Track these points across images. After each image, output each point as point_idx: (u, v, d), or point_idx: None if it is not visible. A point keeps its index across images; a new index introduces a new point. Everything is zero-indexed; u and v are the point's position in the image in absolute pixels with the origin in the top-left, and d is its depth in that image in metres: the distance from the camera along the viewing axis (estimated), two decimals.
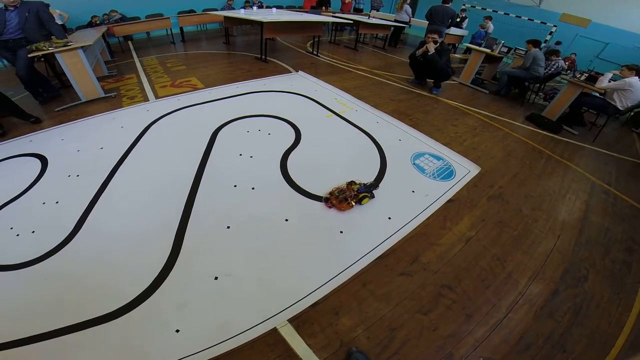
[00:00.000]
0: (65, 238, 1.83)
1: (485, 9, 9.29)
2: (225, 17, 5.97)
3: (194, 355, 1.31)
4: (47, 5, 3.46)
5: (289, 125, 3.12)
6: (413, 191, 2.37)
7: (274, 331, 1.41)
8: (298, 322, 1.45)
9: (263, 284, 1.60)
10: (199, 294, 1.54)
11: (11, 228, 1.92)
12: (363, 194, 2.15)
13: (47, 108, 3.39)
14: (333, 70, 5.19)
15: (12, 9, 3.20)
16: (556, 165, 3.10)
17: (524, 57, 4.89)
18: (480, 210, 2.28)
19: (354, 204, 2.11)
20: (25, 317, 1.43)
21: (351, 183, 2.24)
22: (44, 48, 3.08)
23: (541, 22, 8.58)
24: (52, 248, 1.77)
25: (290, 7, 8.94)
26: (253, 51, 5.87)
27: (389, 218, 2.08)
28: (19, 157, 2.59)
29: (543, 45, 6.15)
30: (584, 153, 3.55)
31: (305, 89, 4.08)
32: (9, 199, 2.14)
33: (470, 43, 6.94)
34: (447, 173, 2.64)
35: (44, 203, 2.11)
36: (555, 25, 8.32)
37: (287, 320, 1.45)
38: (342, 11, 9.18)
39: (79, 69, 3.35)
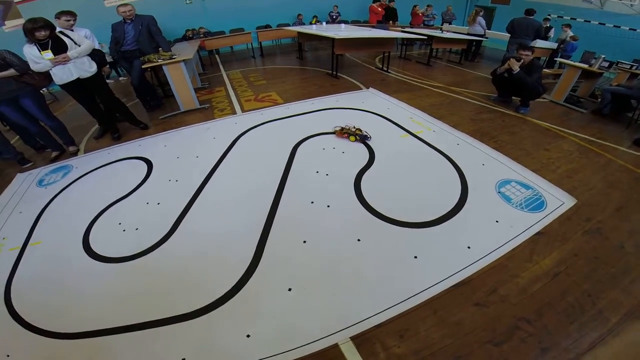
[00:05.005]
0: (162, 238, 2.05)
1: (574, 19, 8.21)
2: (299, 33, 6.28)
3: None
4: (156, 20, 3.87)
5: (363, 144, 3.10)
6: (497, 221, 2.15)
7: (335, 347, 1.42)
8: (360, 340, 1.44)
9: (332, 300, 1.62)
10: (272, 303, 1.61)
11: (119, 224, 2.21)
12: (352, 134, 3.13)
13: (152, 115, 3.91)
14: (405, 87, 5.04)
15: (129, 22, 3.68)
16: None
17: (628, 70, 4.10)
18: (573, 244, 2.02)
19: (346, 137, 3.17)
20: (116, 308, 1.62)
21: (357, 129, 3.19)
22: (154, 60, 3.51)
23: None
24: (150, 245, 1.99)
25: (355, 22, 9.02)
26: (324, 67, 6.04)
27: (469, 247, 1.93)
28: (131, 160, 3.01)
29: None
30: None
31: (377, 107, 4.03)
32: (120, 196, 2.48)
33: (561, 57, 6.19)
34: (536, 204, 2.34)
35: (147, 203, 2.40)
36: None
37: (350, 337, 1.45)
38: (411, 25, 8.96)
39: (180, 81, 3.76)
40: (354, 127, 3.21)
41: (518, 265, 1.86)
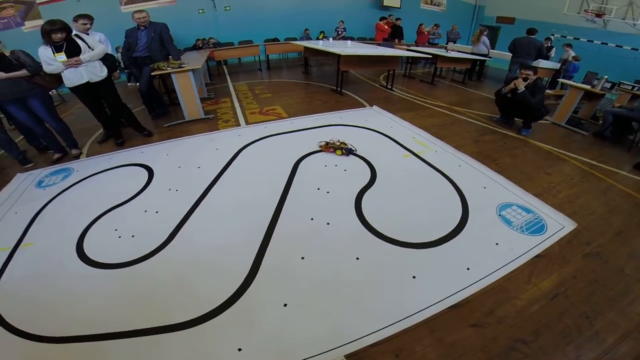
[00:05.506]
0: (158, 246, 2.02)
1: (578, 39, 8.35)
2: (306, 48, 6.39)
3: None
4: (168, 28, 3.90)
5: (364, 163, 3.09)
6: (497, 244, 2.14)
7: None
8: (355, 359, 1.43)
9: (327, 318, 1.59)
10: (266, 317, 1.58)
11: (115, 230, 2.19)
12: (337, 148, 3.19)
13: (157, 123, 3.94)
14: (409, 105, 5.09)
15: (143, 28, 3.72)
16: None
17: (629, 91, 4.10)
18: (572, 267, 2.02)
19: (332, 151, 3.22)
20: (107, 314, 1.59)
21: (342, 143, 3.24)
22: (164, 68, 3.54)
23: None
24: (146, 253, 1.96)
25: (361, 39, 9.19)
26: (328, 82, 6.12)
27: (468, 269, 1.92)
28: (132, 166, 3.01)
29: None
30: None
31: (380, 125, 4.04)
32: (118, 203, 2.47)
33: (563, 77, 6.27)
34: (537, 227, 2.33)
35: (145, 211, 2.38)
36: None
37: (344, 355, 1.43)
38: (417, 43, 9.14)
39: (187, 90, 3.78)
40: (339, 141, 3.26)
41: (517, 287, 1.86)
